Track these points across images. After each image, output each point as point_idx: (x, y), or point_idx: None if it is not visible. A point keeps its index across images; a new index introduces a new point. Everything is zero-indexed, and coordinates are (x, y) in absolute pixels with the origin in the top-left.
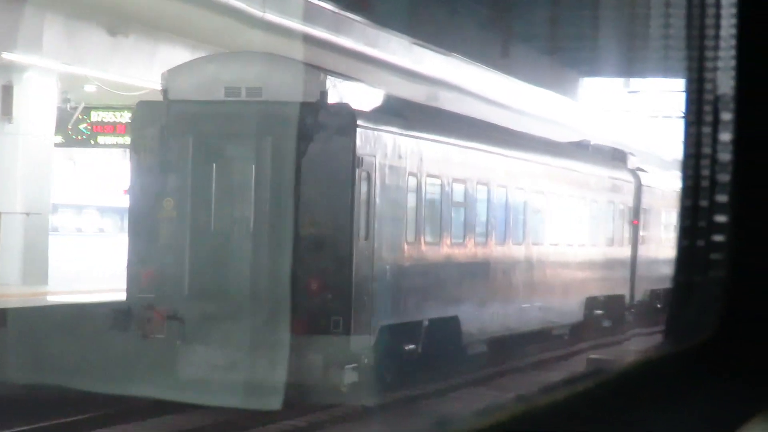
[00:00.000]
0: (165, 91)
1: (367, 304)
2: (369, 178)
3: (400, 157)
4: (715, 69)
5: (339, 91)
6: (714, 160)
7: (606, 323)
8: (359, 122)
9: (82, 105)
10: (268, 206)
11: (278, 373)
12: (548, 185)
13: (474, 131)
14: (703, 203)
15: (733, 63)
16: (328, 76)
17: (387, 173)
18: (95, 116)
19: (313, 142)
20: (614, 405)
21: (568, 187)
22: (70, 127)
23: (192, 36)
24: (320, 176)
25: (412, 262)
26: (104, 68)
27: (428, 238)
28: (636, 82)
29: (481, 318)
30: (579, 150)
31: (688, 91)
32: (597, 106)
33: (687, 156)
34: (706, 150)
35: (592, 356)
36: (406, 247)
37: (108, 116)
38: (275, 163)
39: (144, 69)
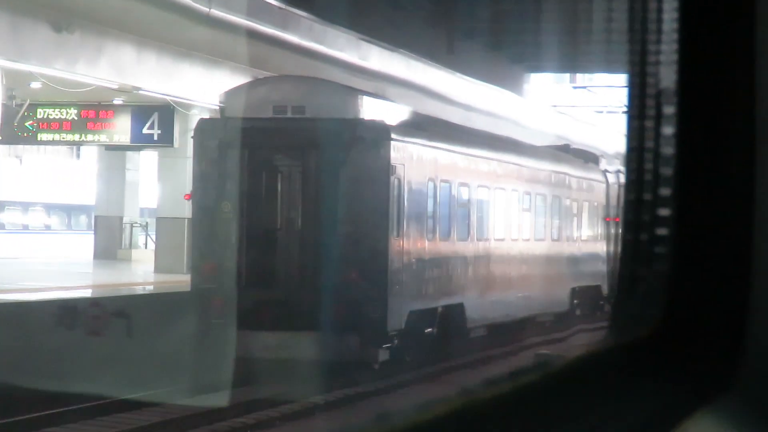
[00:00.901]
0: (222, 110)
1: (399, 293)
2: (399, 183)
3: (421, 164)
4: (657, 63)
5: (371, 108)
6: (657, 154)
7: (587, 311)
8: (392, 135)
9: (28, 102)
10: (313, 208)
11: (321, 352)
12: (538, 187)
13: (475, 140)
14: (647, 197)
15: (675, 57)
16: (363, 96)
17: (412, 179)
18: (41, 113)
19: (352, 153)
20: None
21: (556, 188)
22: (16, 123)
23: (138, 32)
24: (358, 182)
25: (431, 256)
26: (50, 65)
27: (442, 235)
28: (582, 78)
29: (482, 306)
30: (562, 154)
31: (631, 85)
32: (543, 101)
33: (630, 150)
34: (649, 144)
35: (541, 351)
36: (426, 243)
37: (54, 113)
38: (318, 171)
39: (90, 65)
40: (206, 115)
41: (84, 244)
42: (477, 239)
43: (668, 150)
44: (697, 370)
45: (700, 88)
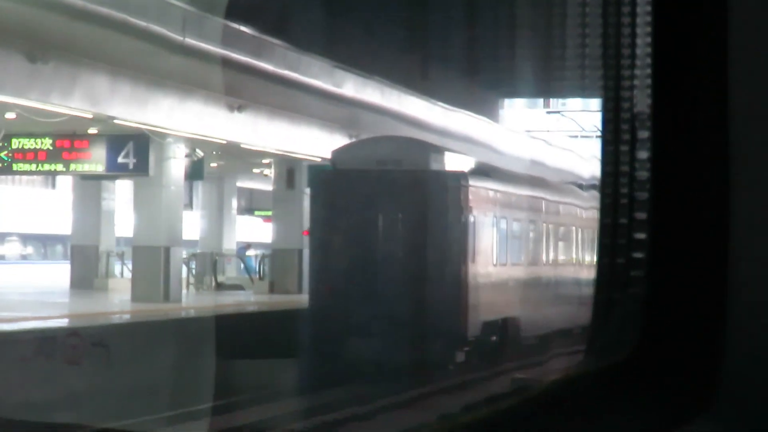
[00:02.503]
0: (334, 163)
1: (473, 307)
2: (473, 220)
3: (486, 204)
4: (632, 87)
5: (449, 160)
6: (632, 178)
7: None
8: (467, 183)
9: (2, 132)
10: (408, 240)
11: (411, 356)
12: (567, 219)
13: (520, 182)
14: (622, 221)
15: (648, 81)
16: (444, 152)
17: (480, 216)
18: (16, 143)
19: (438, 196)
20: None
21: (581, 221)
22: None
23: (112, 61)
24: (442, 219)
25: (494, 278)
26: (24, 95)
27: (501, 260)
28: (555, 103)
29: (533, 319)
30: (580, 191)
31: (605, 110)
32: (517, 126)
33: (605, 174)
34: (624, 168)
35: (517, 376)
36: (490, 267)
37: (29, 143)
38: (411, 211)
39: (64, 95)
40: (181, 144)
41: (60, 273)
42: (527, 264)
43: (643, 174)
44: (674, 394)
45: (674, 112)
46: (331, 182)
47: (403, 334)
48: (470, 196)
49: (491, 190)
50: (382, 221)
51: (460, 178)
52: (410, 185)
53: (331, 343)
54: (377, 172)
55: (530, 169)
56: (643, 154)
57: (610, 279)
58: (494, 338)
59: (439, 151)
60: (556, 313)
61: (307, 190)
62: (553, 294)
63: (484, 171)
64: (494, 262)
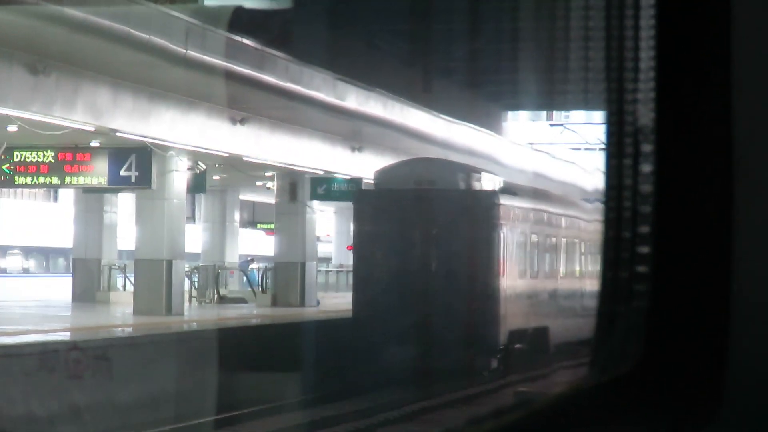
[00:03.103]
0: (376, 183)
1: (504, 317)
2: (503, 235)
3: (515, 220)
4: (635, 101)
5: (482, 180)
6: (636, 191)
7: None
8: (499, 201)
9: (5, 145)
10: (444, 254)
11: (448, 362)
12: (587, 235)
13: (545, 198)
14: (626, 234)
15: (652, 95)
16: (478, 172)
17: (510, 232)
18: (18, 156)
19: (470, 213)
20: None
21: (594, 235)
22: None
23: (114, 74)
24: (475, 235)
25: (523, 289)
26: (26, 108)
27: (531, 274)
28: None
29: (561, 328)
30: (597, 205)
31: (608, 123)
32: (520, 139)
33: (608, 188)
34: (628, 181)
35: (521, 389)
36: (519, 279)
37: (31, 156)
38: (448, 226)
39: (67, 108)
40: (183, 157)
41: (62, 286)
42: (550, 276)
43: (647, 187)
44: (679, 407)
45: (678, 125)
46: (372, 200)
47: (440, 342)
48: (501, 213)
49: (517, 207)
50: (420, 236)
51: (491, 196)
52: (444, 203)
53: (371, 350)
54: (414, 191)
55: (533, 182)
56: (646, 168)
57: (614, 292)
58: (520, 346)
59: (472, 171)
60: (576, 323)
61: (312, 203)
62: (573, 305)
63: (511, 189)
64: (522, 275)
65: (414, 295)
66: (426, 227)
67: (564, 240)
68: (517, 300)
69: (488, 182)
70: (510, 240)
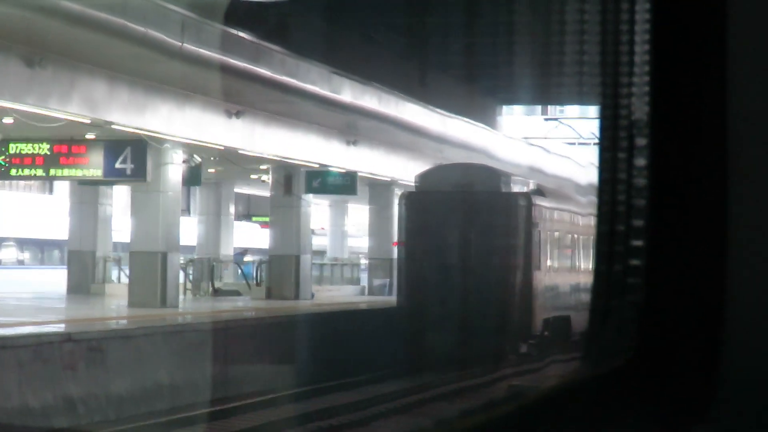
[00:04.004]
0: (418, 186)
1: (538, 306)
2: (539, 233)
3: (545, 219)
4: (630, 95)
5: (514, 182)
6: (630, 185)
7: None
8: (533, 202)
9: (0, 137)
10: (482, 250)
11: (483, 347)
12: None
13: (566, 198)
14: (620, 228)
15: (647, 88)
16: (511, 176)
17: (541, 229)
18: (13, 148)
19: (507, 214)
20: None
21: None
22: None
23: (110, 66)
24: (511, 232)
25: (552, 281)
26: (22, 100)
27: (556, 266)
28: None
29: (580, 317)
30: None
31: (603, 117)
32: (515, 133)
33: (602, 181)
34: (622, 175)
35: (514, 383)
36: (550, 272)
37: (26, 148)
38: (485, 225)
39: (62, 100)
40: (179, 150)
41: (57, 278)
42: (574, 270)
43: (641, 181)
44: (672, 401)
45: (673, 119)
46: (416, 201)
47: (479, 329)
48: (535, 213)
49: (546, 207)
50: (461, 234)
51: (529, 199)
52: (484, 204)
53: (417, 336)
54: (456, 192)
55: (528, 175)
56: (641, 162)
57: (608, 286)
58: (546, 333)
59: (506, 175)
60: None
61: (307, 196)
62: (589, 296)
63: (540, 191)
64: (551, 269)
65: (455, 287)
66: (466, 226)
67: (581, 236)
68: (547, 292)
69: (521, 185)
70: (543, 237)
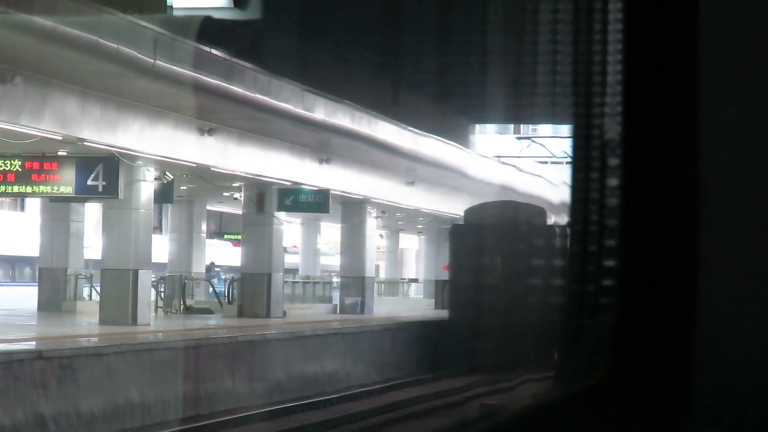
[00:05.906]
0: (465, 219)
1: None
2: (563, 245)
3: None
4: (602, 115)
5: (547, 216)
6: (602, 205)
7: None
8: (559, 232)
9: None
10: (514, 267)
11: (521, 353)
12: None
13: None
14: (592, 248)
15: (619, 109)
16: (544, 211)
17: (560, 243)
18: None
19: (535, 234)
20: None
21: None
22: None
23: (82, 84)
24: (540, 247)
25: None
26: None
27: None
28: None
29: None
30: None
31: (575, 136)
32: (487, 152)
33: (575, 201)
34: (594, 195)
35: (486, 402)
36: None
37: None
38: (524, 253)
39: (34, 117)
40: (151, 167)
41: (28, 295)
42: None
43: (613, 201)
44: (644, 419)
45: (645, 140)
46: (461, 234)
47: (513, 339)
48: (559, 242)
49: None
50: (501, 260)
51: (564, 229)
52: (523, 235)
53: (463, 344)
54: (500, 225)
55: (500, 195)
56: (613, 181)
57: (580, 305)
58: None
59: (540, 210)
60: None
61: (280, 214)
62: None
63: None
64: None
65: (496, 303)
66: (507, 253)
67: None
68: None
69: (552, 219)
70: (560, 250)
